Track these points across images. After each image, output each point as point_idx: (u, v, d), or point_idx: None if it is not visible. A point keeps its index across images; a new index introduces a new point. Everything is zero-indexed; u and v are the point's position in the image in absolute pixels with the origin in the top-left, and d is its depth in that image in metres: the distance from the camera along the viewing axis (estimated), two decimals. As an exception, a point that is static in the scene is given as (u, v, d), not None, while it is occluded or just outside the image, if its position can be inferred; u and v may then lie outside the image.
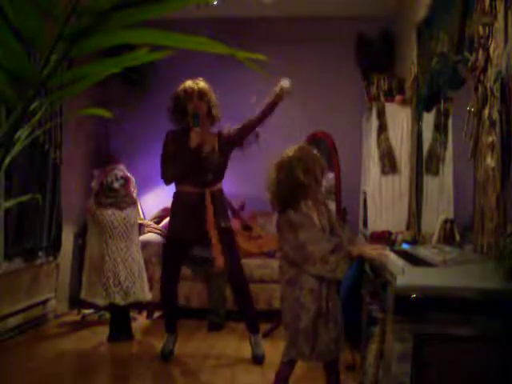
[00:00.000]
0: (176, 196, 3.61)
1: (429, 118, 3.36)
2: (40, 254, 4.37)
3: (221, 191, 3.62)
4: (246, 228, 4.86)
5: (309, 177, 2.40)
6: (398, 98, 4.21)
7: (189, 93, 3.50)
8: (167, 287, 3.62)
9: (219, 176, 3.59)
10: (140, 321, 4.56)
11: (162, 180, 3.56)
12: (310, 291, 2.39)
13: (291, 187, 2.40)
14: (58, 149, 4.47)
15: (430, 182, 3.37)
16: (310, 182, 2.40)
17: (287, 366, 2.56)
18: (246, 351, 3.67)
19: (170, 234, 3.67)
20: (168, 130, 3.63)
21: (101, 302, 3.98)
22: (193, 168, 3.46)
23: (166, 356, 3.56)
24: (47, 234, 4.42)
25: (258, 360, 3.52)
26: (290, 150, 2.45)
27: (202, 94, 3.50)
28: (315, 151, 2.49)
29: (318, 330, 2.39)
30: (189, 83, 3.54)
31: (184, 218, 3.51)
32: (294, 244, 2.37)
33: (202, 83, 3.55)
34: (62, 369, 3.50)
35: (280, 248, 2.53)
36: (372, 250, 2.33)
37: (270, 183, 2.47)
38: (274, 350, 3.59)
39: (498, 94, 1.99)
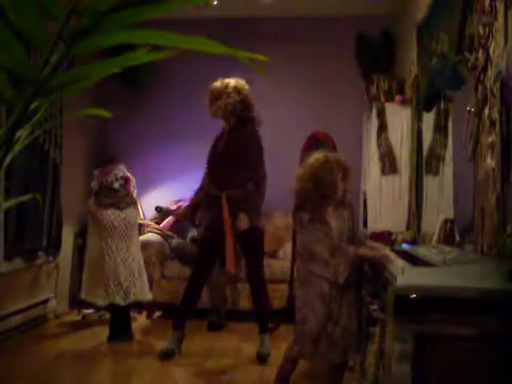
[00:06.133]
0: (204, 195, 3.71)
1: (429, 118, 3.35)
2: (40, 254, 4.37)
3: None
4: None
5: (327, 188, 2.44)
6: (398, 98, 4.21)
7: (209, 94, 3.58)
8: (191, 283, 3.63)
9: (240, 177, 3.52)
10: (140, 321, 4.56)
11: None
12: (320, 294, 2.42)
13: (311, 195, 2.48)
14: (58, 149, 4.47)
15: (429, 182, 3.37)
16: (328, 193, 2.45)
17: (289, 364, 2.57)
18: (247, 351, 3.68)
19: (202, 232, 3.82)
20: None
21: (101, 302, 3.98)
22: (211, 169, 3.59)
23: (169, 354, 3.55)
24: (47, 234, 4.42)
25: (260, 359, 3.52)
26: (314, 158, 2.50)
27: (215, 96, 3.54)
28: (337, 157, 2.52)
29: (324, 333, 2.42)
30: (215, 83, 3.59)
31: (206, 218, 3.67)
32: (303, 241, 2.48)
33: (222, 83, 3.57)
34: (62, 369, 3.51)
35: (294, 245, 2.62)
36: (373, 252, 2.35)
37: (295, 181, 2.54)
38: (274, 350, 3.59)
39: (497, 94, 1.99)
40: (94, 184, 4.20)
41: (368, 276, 2.59)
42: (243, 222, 3.47)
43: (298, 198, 2.54)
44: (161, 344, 3.68)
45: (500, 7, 2.01)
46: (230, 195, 3.49)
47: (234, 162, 3.52)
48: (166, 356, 3.55)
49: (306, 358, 2.56)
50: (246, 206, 3.49)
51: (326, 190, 2.46)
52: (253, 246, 3.60)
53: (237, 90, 3.54)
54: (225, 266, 3.69)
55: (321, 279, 2.42)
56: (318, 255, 2.40)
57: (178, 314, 3.72)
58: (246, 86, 3.59)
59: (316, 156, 2.51)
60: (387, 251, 2.37)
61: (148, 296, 4.17)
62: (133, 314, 4.36)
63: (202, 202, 3.71)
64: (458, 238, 2.65)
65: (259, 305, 3.66)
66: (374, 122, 4.20)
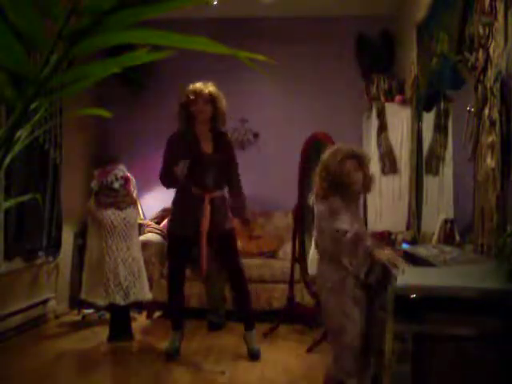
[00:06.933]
0: (178, 194, 3.65)
1: (429, 118, 3.36)
2: (40, 254, 4.37)
3: (223, 198, 3.62)
4: (245, 222, 4.73)
5: (341, 180, 2.38)
6: (398, 98, 4.21)
7: (196, 94, 3.48)
8: (172, 283, 3.64)
9: (221, 180, 3.58)
10: (140, 321, 4.56)
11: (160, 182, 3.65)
12: (356, 300, 2.31)
13: (327, 191, 2.41)
14: (58, 149, 4.47)
15: (429, 182, 3.37)
16: (345, 184, 2.39)
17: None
18: (246, 351, 3.68)
19: (169, 231, 3.74)
20: (170, 135, 3.65)
21: (101, 302, 3.98)
22: (194, 170, 3.49)
23: (173, 354, 3.55)
24: (47, 234, 4.42)
25: (254, 356, 3.53)
26: (327, 152, 2.46)
27: (209, 98, 3.48)
28: (348, 148, 2.46)
29: (367, 345, 2.28)
30: (199, 85, 3.52)
31: (183, 217, 3.56)
32: (330, 232, 2.34)
33: (212, 87, 3.52)
34: (62, 369, 3.51)
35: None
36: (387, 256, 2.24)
37: (314, 177, 2.49)
38: (274, 350, 3.60)
39: (498, 94, 1.99)
40: (93, 184, 4.20)
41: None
42: (221, 223, 3.54)
43: (318, 192, 2.44)
44: (161, 344, 3.67)
45: (500, 7, 2.01)
46: (215, 198, 3.52)
47: (221, 166, 3.55)
48: (171, 355, 3.55)
49: (352, 381, 2.30)
50: (227, 209, 3.59)
51: (340, 182, 2.39)
52: (231, 245, 3.63)
53: (221, 100, 3.53)
54: (197, 267, 3.74)
55: (352, 283, 2.30)
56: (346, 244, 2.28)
57: (173, 314, 3.73)
58: None
59: (328, 151, 2.48)
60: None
61: (148, 296, 4.17)
62: (133, 314, 4.36)
63: (179, 200, 3.65)
64: (457, 237, 2.65)
65: (243, 302, 3.66)
66: (374, 122, 4.20)
